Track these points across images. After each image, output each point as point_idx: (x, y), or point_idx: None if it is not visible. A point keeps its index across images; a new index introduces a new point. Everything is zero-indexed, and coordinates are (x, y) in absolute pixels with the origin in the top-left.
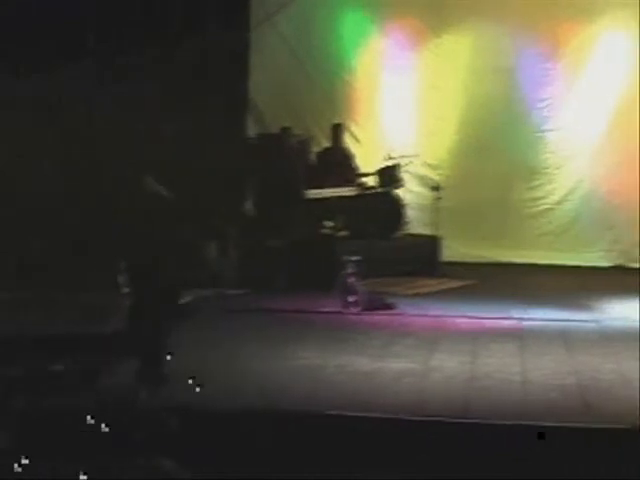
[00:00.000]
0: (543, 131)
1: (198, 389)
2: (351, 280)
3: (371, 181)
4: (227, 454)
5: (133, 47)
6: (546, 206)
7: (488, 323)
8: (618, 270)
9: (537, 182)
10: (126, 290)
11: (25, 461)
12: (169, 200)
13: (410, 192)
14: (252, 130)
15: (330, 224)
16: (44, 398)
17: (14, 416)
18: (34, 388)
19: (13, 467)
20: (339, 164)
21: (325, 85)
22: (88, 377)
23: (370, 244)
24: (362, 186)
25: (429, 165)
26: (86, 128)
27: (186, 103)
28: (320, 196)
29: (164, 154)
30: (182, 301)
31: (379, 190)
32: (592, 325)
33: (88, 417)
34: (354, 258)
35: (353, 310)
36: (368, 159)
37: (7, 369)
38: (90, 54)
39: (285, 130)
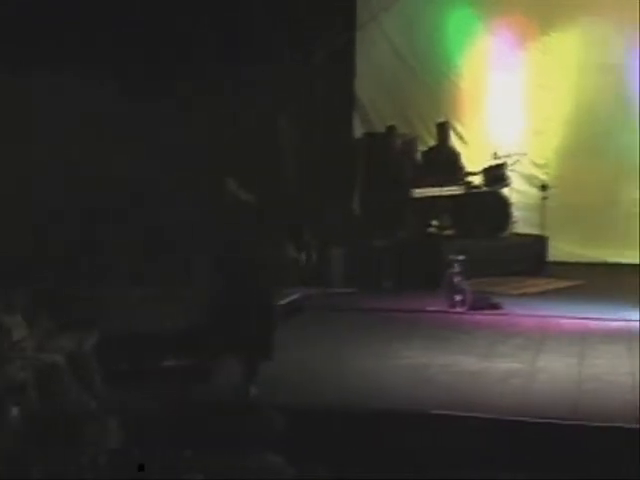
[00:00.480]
0: None
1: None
2: (457, 279)
3: (477, 180)
4: (331, 453)
5: (240, 47)
6: None
7: (596, 324)
8: None
9: None
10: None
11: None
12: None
13: (517, 191)
14: (358, 129)
15: (436, 223)
16: (157, 394)
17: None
18: (146, 384)
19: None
20: (445, 163)
21: (431, 84)
22: (200, 374)
23: (476, 243)
24: (468, 185)
25: (536, 164)
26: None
27: (294, 104)
28: (426, 195)
29: (273, 154)
30: (286, 300)
31: (485, 189)
32: None
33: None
34: (460, 257)
35: (458, 309)
36: (474, 158)
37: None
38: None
39: (391, 129)
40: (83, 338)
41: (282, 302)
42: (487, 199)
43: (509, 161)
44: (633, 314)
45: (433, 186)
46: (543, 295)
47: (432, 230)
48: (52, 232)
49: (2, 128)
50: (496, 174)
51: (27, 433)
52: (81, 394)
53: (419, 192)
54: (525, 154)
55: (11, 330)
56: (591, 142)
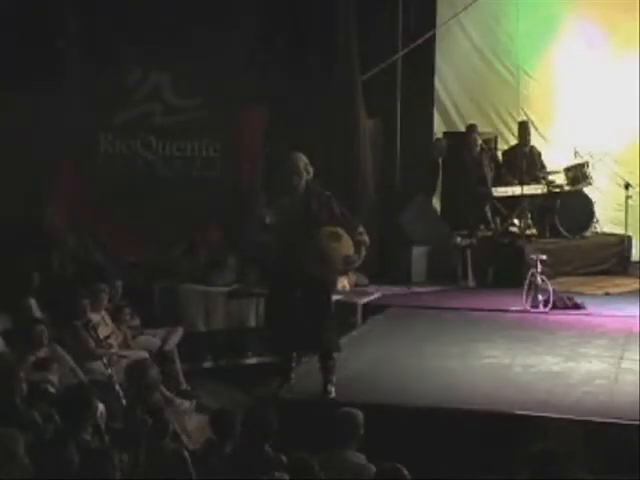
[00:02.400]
0: None
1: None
2: (539, 279)
3: (559, 179)
4: (412, 452)
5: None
6: None
7: None
8: None
9: None
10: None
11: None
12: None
13: (600, 190)
14: (439, 127)
15: (517, 223)
16: (237, 391)
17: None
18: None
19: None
20: (526, 162)
21: (511, 82)
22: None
23: (559, 243)
24: (550, 184)
25: (619, 163)
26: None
27: (376, 101)
28: (507, 194)
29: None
30: (368, 299)
31: (567, 188)
32: None
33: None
34: (542, 257)
35: (541, 309)
36: (556, 157)
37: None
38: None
39: (471, 127)
40: (168, 335)
41: (363, 301)
42: (569, 198)
43: (591, 160)
44: None
45: (514, 185)
46: (627, 295)
47: (514, 229)
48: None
49: None
50: (578, 173)
51: (112, 430)
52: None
53: (500, 191)
54: (607, 153)
55: (97, 327)
56: None
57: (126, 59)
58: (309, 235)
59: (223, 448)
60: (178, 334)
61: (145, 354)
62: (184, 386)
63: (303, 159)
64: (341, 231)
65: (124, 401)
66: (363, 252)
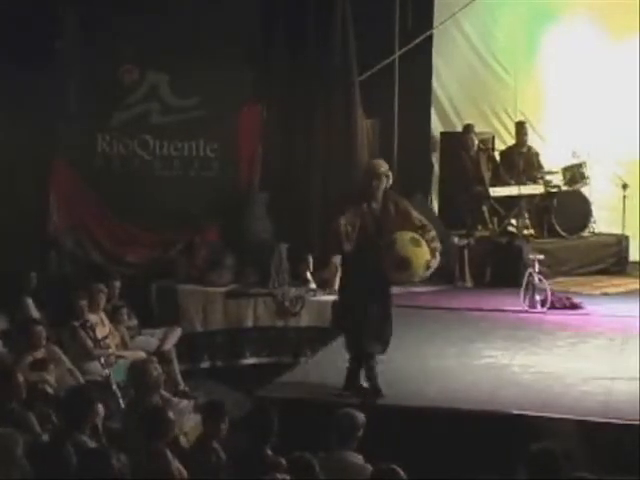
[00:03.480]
0: None
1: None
2: (537, 279)
3: (556, 179)
4: (409, 452)
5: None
6: None
7: None
8: None
9: None
10: None
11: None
12: None
13: (597, 190)
14: (436, 127)
15: (515, 223)
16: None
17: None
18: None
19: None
20: (523, 162)
21: (509, 82)
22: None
23: (556, 243)
24: (547, 184)
25: (616, 163)
26: None
27: (374, 101)
28: (505, 194)
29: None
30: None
31: (565, 188)
32: None
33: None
34: (540, 257)
35: (539, 309)
36: (553, 157)
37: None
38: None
39: (468, 127)
40: (166, 335)
41: None
42: (567, 198)
43: (589, 160)
44: None
45: (512, 185)
46: (625, 295)
47: (511, 229)
48: None
49: None
50: (575, 173)
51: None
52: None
53: (498, 191)
54: (605, 153)
55: (95, 327)
56: None
57: (124, 59)
58: (389, 240)
59: (213, 441)
60: (176, 334)
61: (143, 354)
62: (182, 386)
63: (384, 165)
64: (418, 236)
65: (121, 401)
66: (438, 257)
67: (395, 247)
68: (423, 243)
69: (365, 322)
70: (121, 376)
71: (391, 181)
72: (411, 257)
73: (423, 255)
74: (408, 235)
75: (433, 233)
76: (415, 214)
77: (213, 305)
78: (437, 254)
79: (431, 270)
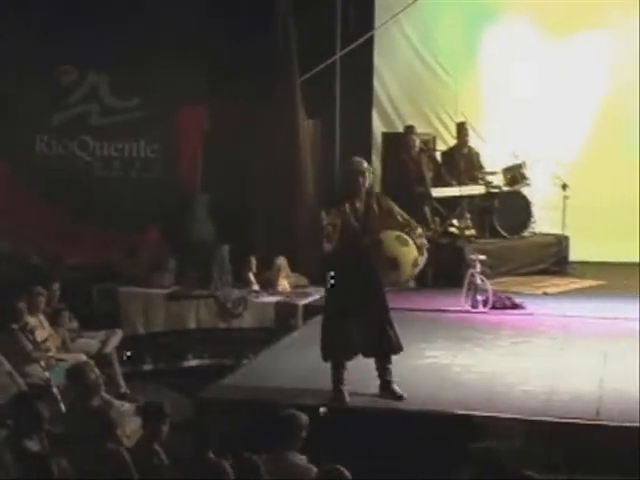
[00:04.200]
0: None
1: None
2: (479, 279)
3: (497, 180)
4: (352, 452)
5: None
6: None
7: (618, 324)
8: None
9: None
10: None
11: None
12: None
13: (538, 191)
14: (378, 128)
15: (457, 223)
16: (177, 393)
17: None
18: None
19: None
20: (465, 163)
21: (449, 83)
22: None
23: (497, 243)
24: (488, 185)
25: (557, 163)
26: None
27: (315, 102)
28: (446, 195)
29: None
30: (308, 300)
31: (505, 189)
32: None
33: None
34: (481, 257)
35: (481, 309)
36: (494, 157)
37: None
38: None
39: (409, 128)
40: (107, 338)
41: (304, 302)
42: (507, 199)
43: (529, 160)
44: None
45: (453, 186)
46: (566, 295)
47: (453, 230)
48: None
49: None
50: (516, 174)
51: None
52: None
53: (439, 192)
54: (545, 153)
55: (35, 330)
56: (614, 141)
57: (62, 60)
58: (375, 241)
59: (154, 443)
60: (117, 337)
61: (84, 357)
62: (123, 389)
63: (365, 163)
64: (404, 234)
65: (62, 404)
66: (425, 254)
67: (382, 247)
68: (410, 241)
69: (361, 325)
70: (61, 379)
71: (372, 179)
72: (399, 257)
73: (410, 253)
74: (394, 234)
75: (419, 230)
76: (399, 211)
77: (155, 307)
78: (424, 250)
79: (419, 268)
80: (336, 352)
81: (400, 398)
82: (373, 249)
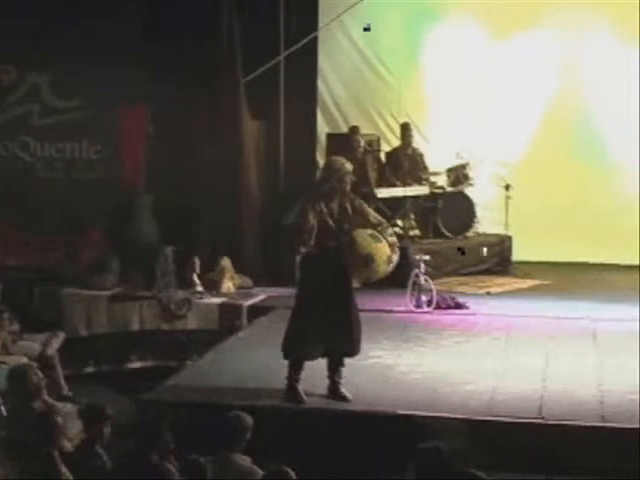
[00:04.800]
0: (620, 127)
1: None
2: (423, 279)
3: (441, 180)
4: (298, 453)
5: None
6: (621, 204)
7: (561, 323)
8: None
9: (612, 180)
10: None
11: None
12: None
13: (481, 191)
14: (322, 129)
15: (401, 223)
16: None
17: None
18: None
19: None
20: (408, 163)
21: (393, 83)
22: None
23: (441, 243)
24: (432, 185)
25: (500, 164)
26: None
27: (259, 102)
28: (390, 195)
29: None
30: (253, 301)
31: (449, 189)
32: None
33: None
34: (425, 257)
35: (425, 309)
36: (438, 158)
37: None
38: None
39: (354, 129)
40: (49, 340)
41: (248, 303)
42: (451, 199)
43: (473, 161)
44: (598, 313)
45: (397, 186)
46: (508, 294)
47: (397, 230)
48: None
49: None
50: (459, 174)
51: None
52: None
53: (384, 192)
54: (488, 154)
55: None
56: (558, 142)
57: (1, 60)
58: (349, 239)
59: (96, 446)
60: (59, 339)
61: (25, 360)
62: (65, 391)
63: (348, 163)
64: (377, 233)
65: (2, 408)
66: (397, 252)
67: (356, 245)
68: (382, 239)
69: (330, 324)
70: (2, 382)
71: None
72: (373, 253)
73: (384, 250)
74: (367, 231)
75: (390, 230)
76: (371, 212)
77: (97, 309)
78: (396, 249)
79: (393, 265)
80: (301, 351)
81: (346, 400)
82: (347, 248)
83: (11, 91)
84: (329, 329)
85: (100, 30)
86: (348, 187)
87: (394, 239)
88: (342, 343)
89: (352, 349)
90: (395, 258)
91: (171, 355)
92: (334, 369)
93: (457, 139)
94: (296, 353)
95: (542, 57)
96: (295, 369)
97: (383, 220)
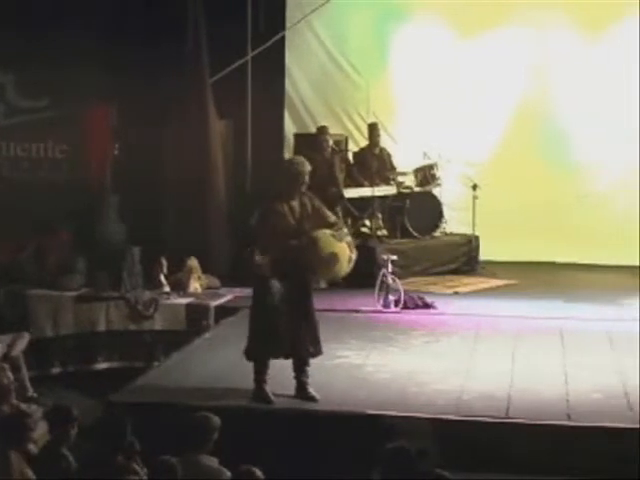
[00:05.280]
0: (586, 127)
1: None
2: (390, 279)
3: (408, 180)
4: (266, 453)
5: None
6: (588, 204)
7: (529, 322)
8: None
9: (578, 180)
10: None
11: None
12: None
13: (449, 191)
14: (289, 129)
15: (368, 223)
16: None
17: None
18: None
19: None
20: (376, 163)
21: (361, 84)
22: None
23: (409, 243)
24: (400, 185)
25: (467, 163)
26: None
27: (226, 102)
28: (357, 195)
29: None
30: (220, 301)
31: (417, 189)
32: (633, 324)
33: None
34: (393, 257)
35: (393, 309)
36: (405, 158)
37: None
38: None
39: (322, 129)
40: (14, 341)
41: (216, 303)
42: (419, 199)
43: (440, 161)
44: (565, 312)
45: (365, 186)
46: (476, 294)
47: (365, 230)
48: None
49: None
50: (427, 174)
51: None
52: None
53: (351, 192)
54: (456, 154)
55: None
56: (525, 142)
57: None
58: (311, 239)
59: (62, 447)
60: (24, 340)
61: None
62: (30, 393)
63: (307, 163)
64: (335, 232)
65: None
66: (355, 251)
67: (320, 245)
68: (342, 239)
69: (291, 324)
70: None
71: None
72: (337, 252)
73: (346, 249)
74: (329, 231)
75: (345, 229)
76: (329, 212)
77: (64, 309)
78: (353, 248)
79: (352, 265)
80: (263, 352)
81: (314, 400)
82: (309, 248)
83: None
84: (290, 330)
85: (66, 30)
86: (304, 187)
87: (349, 239)
88: (303, 343)
89: (314, 349)
90: (354, 257)
91: (138, 356)
92: (300, 369)
93: (425, 139)
94: (257, 354)
95: (509, 57)
96: (259, 369)
97: (338, 220)
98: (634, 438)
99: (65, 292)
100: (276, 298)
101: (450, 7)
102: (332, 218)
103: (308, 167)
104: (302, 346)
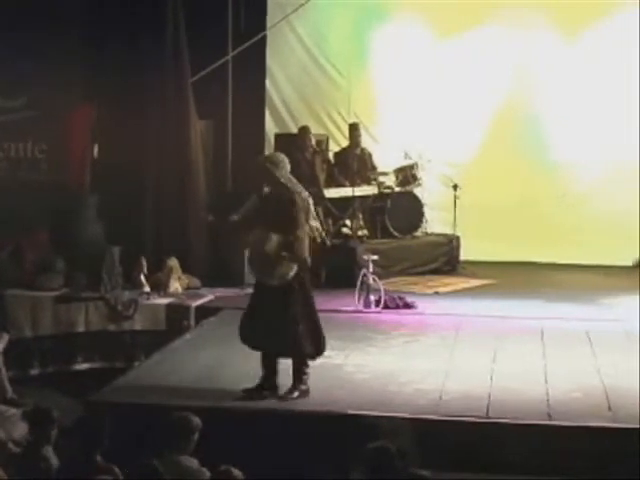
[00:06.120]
0: (566, 127)
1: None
2: (371, 279)
3: (389, 180)
4: (246, 454)
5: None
6: (567, 205)
7: (509, 322)
8: None
9: (558, 180)
10: None
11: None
12: None
13: (429, 191)
14: (271, 129)
15: (349, 223)
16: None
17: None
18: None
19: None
20: (357, 163)
21: (342, 84)
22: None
23: (389, 243)
24: (381, 185)
25: (448, 164)
26: None
27: (207, 102)
28: (338, 195)
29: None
30: (202, 301)
31: (397, 189)
32: (614, 324)
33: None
34: (373, 257)
35: (373, 309)
36: (386, 158)
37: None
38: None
39: (303, 129)
40: None
41: (196, 303)
42: (399, 199)
43: (421, 161)
44: (545, 312)
45: (346, 186)
46: (457, 294)
47: (346, 230)
48: None
49: None
50: (407, 174)
51: None
52: None
53: (332, 192)
54: (436, 154)
55: None
56: (506, 142)
57: None
58: (293, 236)
59: (42, 448)
60: (3, 340)
61: None
62: (10, 394)
63: (281, 155)
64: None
65: None
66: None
67: (299, 242)
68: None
69: (268, 322)
70: None
71: None
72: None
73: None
74: (303, 230)
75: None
76: (295, 210)
77: (43, 310)
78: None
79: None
80: (240, 333)
81: (282, 398)
82: (289, 246)
83: None
84: (267, 327)
85: (45, 28)
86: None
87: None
88: (276, 342)
89: (285, 350)
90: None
91: (118, 356)
92: (295, 368)
93: (405, 139)
94: (245, 340)
95: (489, 57)
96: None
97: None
98: (613, 437)
99: (44, 292)
100: (256, 294)
101: (431, 7)
102: (298, 217)
103: (278, 159)
104: (273, 345)
